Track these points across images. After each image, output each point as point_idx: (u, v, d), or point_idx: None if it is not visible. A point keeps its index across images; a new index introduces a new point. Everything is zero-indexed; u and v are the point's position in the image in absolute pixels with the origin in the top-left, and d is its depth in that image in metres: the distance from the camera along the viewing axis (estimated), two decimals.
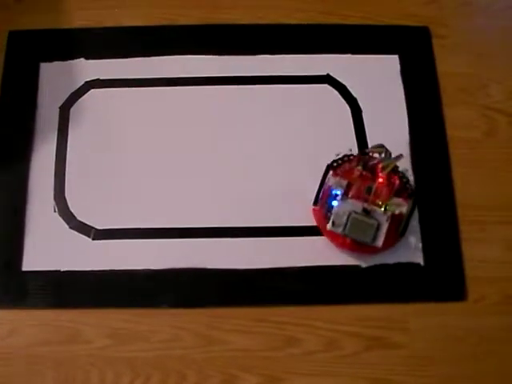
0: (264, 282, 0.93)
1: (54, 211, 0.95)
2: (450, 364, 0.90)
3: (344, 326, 0.91)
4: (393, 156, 0.92)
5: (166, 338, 0.90)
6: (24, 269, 0.93)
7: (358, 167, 0.94)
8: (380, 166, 0.92)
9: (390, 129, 1.01)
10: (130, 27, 1.08)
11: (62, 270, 0.92)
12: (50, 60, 1.05)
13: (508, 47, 1.09)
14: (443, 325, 0.92)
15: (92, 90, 1.03)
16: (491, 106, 1.05)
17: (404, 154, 0.92)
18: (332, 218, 0.91)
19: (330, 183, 0.94)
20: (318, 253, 0.94)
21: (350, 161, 0.97)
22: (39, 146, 0.99)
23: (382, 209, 0.90)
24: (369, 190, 0.92)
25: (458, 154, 1.00)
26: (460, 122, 1.03)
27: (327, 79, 1.04)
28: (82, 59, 1.05)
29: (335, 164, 0.97)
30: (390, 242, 0.93)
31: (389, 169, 0.91)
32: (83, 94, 1.03)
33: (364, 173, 0.94)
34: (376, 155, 0.93)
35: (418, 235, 0.95)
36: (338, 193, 0.92)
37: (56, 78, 1.04)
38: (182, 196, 0.97)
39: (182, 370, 0.89)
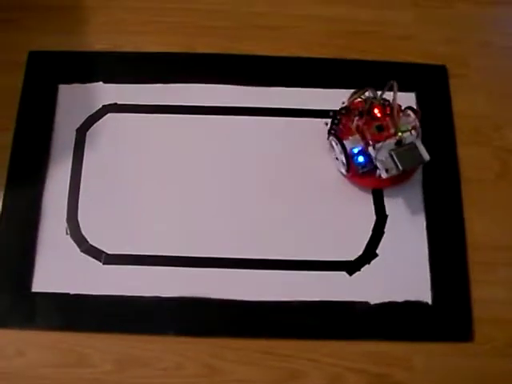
0: (270, 315, 0.93)
1: (66, 234, 0.96)
2: None
3: (349, 362, 0.91)
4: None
5: (170, 365, 0.90)
6: (34, 290, 0.93)
7: (355, 117, 0.95)
8: (375, 104, 0.95)
9: None
10: (149, 53, 1.09)
11: (71, 293, 0.93)
12: (69, 82, 1.06)
13: None
14: (448, 365, 0.92)
15: (109, 114, 1.04)
16: (506, 147, 1.05)
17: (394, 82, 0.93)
18: (381, 167, 0.93)
19: (348, 147, 0.95)
20: (327, 288, 0.94)
21: (342, 119, 0.98)
22: (54, 168, 1.00)
23: (403, 133, 0.92)
24: (379, 128, 0.94)
25: (470, 195, 1.01)
26: (474, 162, 1.03)
27: None
28: (100, 83, 1.06)
29: (333, 131, 0.98)
30: None
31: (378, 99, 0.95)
32: (100, 118, 1.04)
33: (363, 119, 0.94)
34: (362, 97, 0.95)
35: (428, 274, 0.95)
36: (358, 149, 0.94)
37: (74, 101, 1.05)
38: (193, 225, 0.98)
39: None
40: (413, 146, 0.93)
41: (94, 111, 1.04)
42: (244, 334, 0.92)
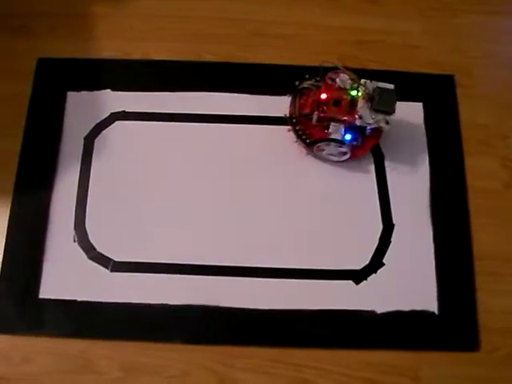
0: (278, 323, 0.93)
1: (74, 241, 0.96)
2: None
3: (355, 371, 0.91)
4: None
5: (178, 373, 0.90)
6: (41, 296, 0.93)
7: (312, 116, 0.97)
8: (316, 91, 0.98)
9: (411, 176, 1.02)
10: (157, 61, 1.10)
11: (78, 300, 0.93)
12: (78, 89, 1.06)
13: None
14: (454, 374, 0.92)
15: (117, 122, 1.04)
16: None
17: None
18: (379, 125, 0.95)
19: (333, 136, 0.96)
20: (333, 297, 0.95)
21: (302, 122, 1.00)
22: (62, 175, 1.00)
23: (359, 93, 0.96)
24: (336, 103, 0.97)
25: (477, 204, 1.01)
26: (480, 172, 1.03)
27: None
28: (108, 90, 1.07)
29: (294, 120, 1.00)
30: None
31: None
32: (108, 126, 1.04)
33: (319, 110, 0.97)
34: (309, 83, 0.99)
35: (434, 284, 0.95)
36: (343, 132, 0.97)
37: (82, 108, 1.05)
38: (202, 233, 0.98)
39: None
40: (378, 90, 0.95)
41: (102, 119, 1.05)
42: (252, 343, 0.92)
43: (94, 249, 0.96)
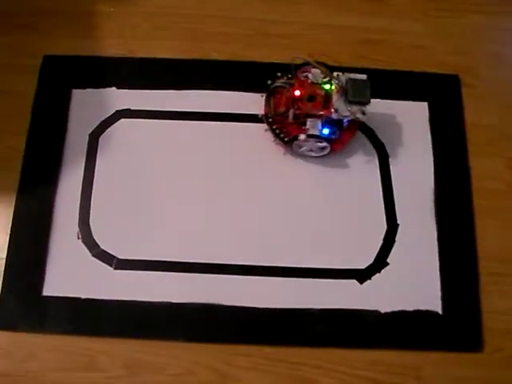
0: (281, 322, 0.93)
1: (78, 238, 0.96)
2: None
3: (358, 370, 0.91)
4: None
5: (181, 371, 0.90)
6: (45, 294, 0.93)
7: (288, 114, 0.97)
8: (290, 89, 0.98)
9: (416, 176, 1.02)
10: (162, 59, 1.10)
11: (82, 297, 0.93)
12: (83, 87, 1.07)
13: None
14: (457, 375, 0.92)
15: (122, 120, 1.04)
16: None
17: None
18: (355, 116, 0.95)
19: (311, 132, 0.96)
20: (337, 296, 0.95)
21: (278, 121, 1.00)
22: (67, 173, 1.00)
23: (332, 86, 0.96)
24: (311, 98, 0.96)
25: (481, 205, 1.01)
26: (485, 172, 1.03)
27: None
28: (113, 88, 1.07)
29: (270, 120, 1.00)
30: None
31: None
32: (113, 123, 1.04)
33: (294, 107, 0.97)
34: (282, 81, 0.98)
35: (438, 284, 0.95)
36: (320, 127, 0.96)
37: (87, 105, 1.05)
38: (205, 231, 0.98)
39: None
40: (351, 81, 0.95)
41: (107, 116, 1.05)
42: (254, 341, 0.92)
43: (98, 246, 0.96)
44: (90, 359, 0.91)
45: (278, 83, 0.99)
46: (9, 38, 1.10)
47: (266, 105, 1.00)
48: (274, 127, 1.00)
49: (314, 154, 1.01)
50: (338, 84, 0.96)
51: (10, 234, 0.96)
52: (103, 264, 0.95)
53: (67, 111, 1.05)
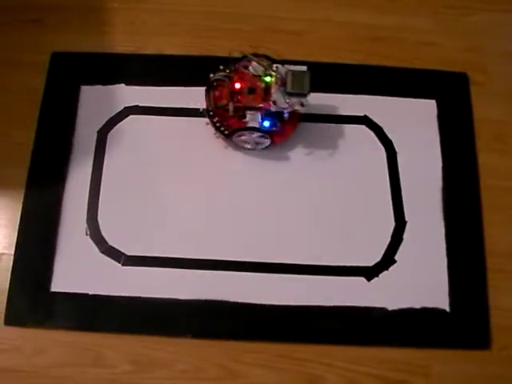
0: (289, 319, 0.93)
1: (86, 234, 0.96)
2: None
3: (366, 368, 0.92)
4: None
5: (188, 367, 0.91)
6: (53, 289, 0.94)
7: (228, 106, 0.96)
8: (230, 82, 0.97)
9: (424, 173, 1.02)
10: (170, 55, 1.10)
11: (90, 293, 0.93)
12: (91, 83, 1.07)
13: None
14: (465, 372, 0.92)
15: (130, 116, 1.04)
16: None
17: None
18: (295, 108, 0.94)
19: (250, 125, 0.96)
20: (345, 293, 0.95)
21: (219, 114, 0.99)
22: (75, 169, 1.01)
23: (272, 79, 0.95)
24: (251, 90, 0.96)
25: (489, 201, 1.01)
26: (493, 169, 1.03)
27: (364, 120, 1.05)
28: (122, 84, 1.07)
29: (211, 113, 0.99)
30: None
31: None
32: (121, 120, 1.04)
33: (234, 100, 0.96)
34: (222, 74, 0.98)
35: (446, 281, 0.95)
36: (260, 119, 0.96)
37: (96, 102, 1.06)
38: (213, 227, 0.98)
39: None
40: (291, 73, 0.94)
41: (115, 113, 1.05)
42: (262, 338, 0.93)
43: (106, 242, 0.96)
44: (97, 355, 0.91)
45: (218, 76, 0.98)
46: (18, 34, 1.11)
47: (206, 98, 0.99)
48: (215, 120, 0.99)
49: (255, 147, 1.01)
50: (277, 76, 0.95)
51: (19, 231, 0.97)
52: (111, 260, 0.95)
53: (76, 108, 1.05)
